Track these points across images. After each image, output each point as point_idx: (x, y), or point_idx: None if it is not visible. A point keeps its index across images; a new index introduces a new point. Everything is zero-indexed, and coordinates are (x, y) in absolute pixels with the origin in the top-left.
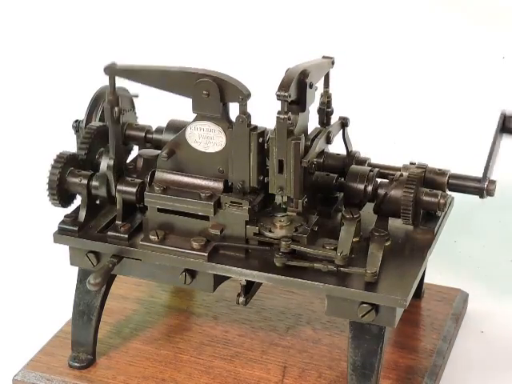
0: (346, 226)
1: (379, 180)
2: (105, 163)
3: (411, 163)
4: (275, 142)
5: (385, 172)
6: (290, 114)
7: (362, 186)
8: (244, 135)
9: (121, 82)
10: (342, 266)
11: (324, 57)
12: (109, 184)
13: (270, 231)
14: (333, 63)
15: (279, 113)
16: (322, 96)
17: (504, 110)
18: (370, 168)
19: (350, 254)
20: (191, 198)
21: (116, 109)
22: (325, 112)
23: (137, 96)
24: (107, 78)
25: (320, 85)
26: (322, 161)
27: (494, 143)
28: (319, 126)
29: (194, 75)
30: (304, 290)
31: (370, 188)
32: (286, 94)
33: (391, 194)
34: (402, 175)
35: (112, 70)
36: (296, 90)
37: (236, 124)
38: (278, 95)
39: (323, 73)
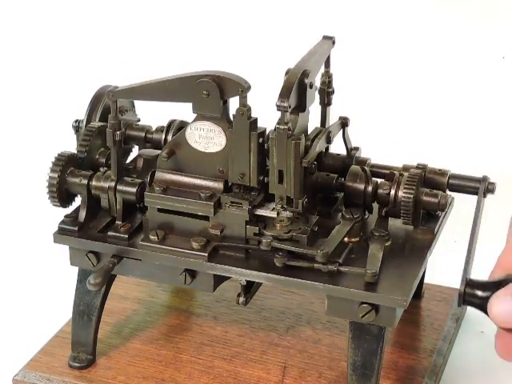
0: (339, 226)
1: (379, 180)
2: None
3: (405, 167)
4: (275, 143)
5: (380, 172)
6: (289, 124)
7: (362, 186)
8: (244, 135)
9: (120, 82)
10: (341, 264)
11: (325, 37)
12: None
13: (271, 231)
14: (333, 43)
15: (279, 123)
16: (322, 76)
17: (469, 278)
18: (362, 167)
19: (341, 253)
20: (191, 198)
21: (118, 132)
22: (325, 92)
23: (138, 120)
24: (107, 77)
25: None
26: (322, 161)
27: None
28: (319, 126)
29: (193, 78)
30: (304, 290)
31: (369, 188)
32: (286, 104)
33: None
34: (401, 175)
35: (114, 94)
36: (296, 94)
37: (236, 117)
38: (277, 106)
39: (324, 58)
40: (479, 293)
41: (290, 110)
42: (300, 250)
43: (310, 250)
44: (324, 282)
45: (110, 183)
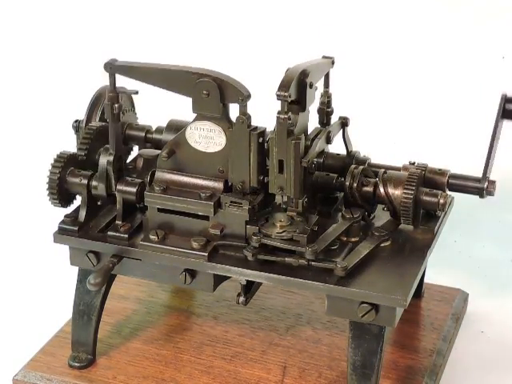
0: (336, 224)
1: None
2: (104, 160)
3: (410, 163)
4: (275, 142)
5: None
6: (290, 113)
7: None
8: (244, 135)
9: (120, 82)
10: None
11: (324, 57)
12: (109, 181)
13: (270, 231)
14: (333, 63)
15: (279, 113)
16: (321, 96)
17: (504, 91)
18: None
19: (340, 253)
20: (191, 198)
21: (116, 105)
22: (325, 112)
23: (136, 92)
24: (107, 77)
25: (320, 85)
26: (322, 161)
27: (495, 129)
28: (319, 126)
29: (194, 75)
30: (304, 290)
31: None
32: (286, 93)
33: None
34: (385, 172)
35: (112, 67)
36: (296, 89)
37: (236, 125)
38: (278, 95)
39: (323, 73)
40: None
41: (289, 100)
42: (289, 247)
43: (299, 248)
44: (324, 282)
45: (109, 157)
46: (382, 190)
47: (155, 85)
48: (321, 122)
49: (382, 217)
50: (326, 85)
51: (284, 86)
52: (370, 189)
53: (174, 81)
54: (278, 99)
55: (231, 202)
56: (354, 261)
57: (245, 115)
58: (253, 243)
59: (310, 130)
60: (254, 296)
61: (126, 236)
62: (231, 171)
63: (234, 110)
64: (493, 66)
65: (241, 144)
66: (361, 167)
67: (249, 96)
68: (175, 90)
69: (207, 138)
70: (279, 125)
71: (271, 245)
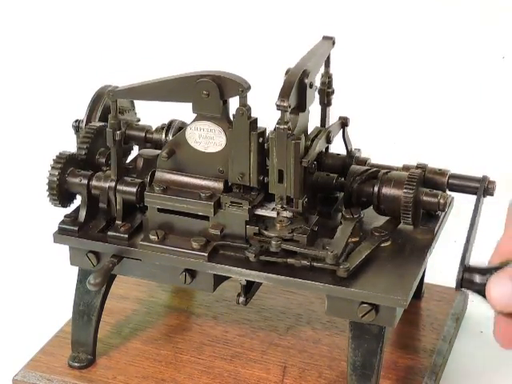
0: (342, 226)
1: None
2: (105, 185)
3: (405, 166)
4: (275, 143)
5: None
6: (289, 124)
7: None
8: (244, 135)
9: (120, 82)
10: (314, 260)
11: (324, 37)
12: (111, 206)
13: (270, 231)
14: (333, 43)
15: (279, 123)
16: (322, 76)
17: (467, 263)
18: (367, 167)
19: (344, 253)
20: (191, 198)
21: (118, 132)
22: (325, 92)
23: (138, 120)
24: (107, 77)
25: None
26: (321, 161)
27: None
28: (319, 126)
29: (193, 78)
30: (304, 290)
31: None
32: (286, 104)
33: (387, 193)
34: (386, 173)
35: (114, 94)
36: (296, 93)
37: (236, 116)
38: (277, 105)
39: (323, 58)
40: (477, 277)
41: (289, 110)
42: (308, 252)
43: (320, 252)
44: (324, 282)
45: (110, 183)
46: (382, 190)
47: (157, 99)
48: (321, 103)
49: (381, 217)
50: (327, 65)
51: (284, 95)
52: (369, 189)
53: (176, 90)
54: (277, 109)
55: (231, 202)
56: (355, 262)
57: (245, 107)
58: (272, 249)
59: (309, 130)
60: (254, 296)
61: (126, 236)
62: (231, 171)
63: (233, 108)
64: (493, 65)
65: (241, 144)
66: (364, 169)
67: (249, 87)
68: (177, 99)
69: (207, 138)
70: (279, 135)
71: (292, 250)
